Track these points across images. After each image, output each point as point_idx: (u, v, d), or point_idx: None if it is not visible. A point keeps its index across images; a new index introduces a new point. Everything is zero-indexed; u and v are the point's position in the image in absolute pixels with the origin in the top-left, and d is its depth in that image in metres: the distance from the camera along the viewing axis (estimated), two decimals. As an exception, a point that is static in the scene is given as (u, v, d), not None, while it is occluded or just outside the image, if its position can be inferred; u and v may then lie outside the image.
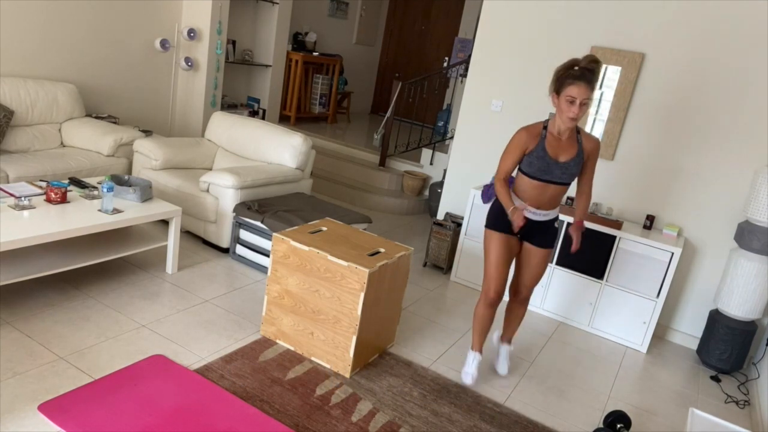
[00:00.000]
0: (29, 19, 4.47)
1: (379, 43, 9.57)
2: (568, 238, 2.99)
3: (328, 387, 2.79)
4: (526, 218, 2.84)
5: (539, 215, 2.85)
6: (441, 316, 3.79)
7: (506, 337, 3.23)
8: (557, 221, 2.98)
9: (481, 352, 3.03)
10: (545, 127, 2.75)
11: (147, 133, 5.05)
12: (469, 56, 4.91)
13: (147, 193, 3.50)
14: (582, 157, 2.77)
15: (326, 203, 4.29)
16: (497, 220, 2.89)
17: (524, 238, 2.96)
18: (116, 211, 3.23)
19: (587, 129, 4.12)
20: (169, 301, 3.32)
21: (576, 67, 2.57)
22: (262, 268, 3.92)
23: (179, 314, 3.20)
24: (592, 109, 4.07)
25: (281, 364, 2.91)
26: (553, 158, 2.72)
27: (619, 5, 3.93)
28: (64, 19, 4.70)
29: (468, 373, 3.00)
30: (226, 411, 2.45)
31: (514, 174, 3.04)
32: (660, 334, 4.13)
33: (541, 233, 2.92)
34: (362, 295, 2.76)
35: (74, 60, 4.88)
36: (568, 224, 2.90)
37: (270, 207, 3.92)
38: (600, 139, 4.05)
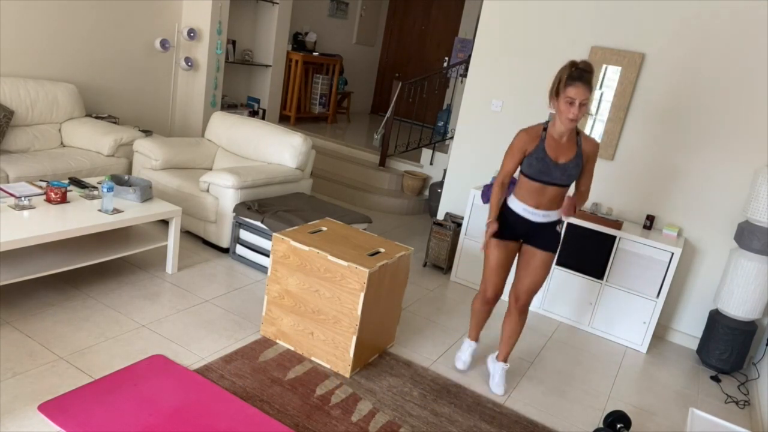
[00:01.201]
0: (30, 19, 4.47)
1: (379, 43, 9.57)
2: (558, 242, 2.98)
3: (328, 387, 2.79)
4: (523, 219, 2.86)
5: (539, 216, 2.83)
6: (441, 316, 3.79)
7: (502, 355, 3.10)
8: (560, 225, 2.93)
9: (477, 340, 3.19)
10: (545, 129, 2.77)
11: (147, 133, 5.05)
12: (469, 56, 4.91)
13: (147, 193, 3.50)
14: (581, 159, 2.76)
15: (326, 203, 4.29)
16: (503, 216, 2.90)
17: (526, 241, 2.94)
18: (116, 211, 3.23)
19: (587, 130, 4.12)
20: (169, 301, 3.32)
21: (574, 69, 2.60)
22: (262, 268, 3.92)
23: (179, 314, 3.20)
24: (592, 109, 4.07)
25: (281, 364, 2.91)
26: (553, 160, 2.73)
27: (619, 5, 3.93)
28: (65, 20, 4.71)
29: (461, 358, 3.13)
30: (226, 411, 2.45)
31: (516, 175, 3.05)
32: (660, 334, 4.13)
33: (542, 235, 2.89)
34: (362, 295, 2.76)
35: (74, 60, 4.88)
36: (560, 227, 2.94)
37: (270, 207, 3.92)
38: (600, 140, 4.07)
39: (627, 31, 3.93)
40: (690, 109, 3.81)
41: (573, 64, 2.61)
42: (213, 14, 5.63)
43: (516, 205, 2.85)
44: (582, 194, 2.92)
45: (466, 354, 3.18)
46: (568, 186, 2.80)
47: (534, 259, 2.92)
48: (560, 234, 2.94)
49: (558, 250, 2.96)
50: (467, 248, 4.32)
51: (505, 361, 3.10)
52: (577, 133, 2.79)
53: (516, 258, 3.02)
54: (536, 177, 2.75)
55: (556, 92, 2.65)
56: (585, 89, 2.56)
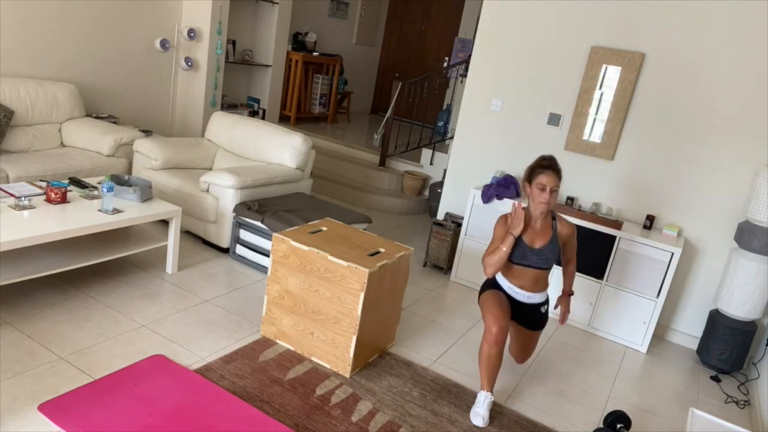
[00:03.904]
0: (30, 19, 4.47)
1: (379, 43, 9.57)
2: (546, 320, 3.17)
3: (328, 387, 2.79)
4: (510, 297, 3.03)
5: (524, 297, 3.01)
6: (441, 316, 3.79)
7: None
8: (545, 306, 3.10)
9: (491, 391, 2.80)
10: None
11: (147, 133, 5.05)
12: (469, 56, 4.91)
13: (147, 193, 3.50)
14: (557, 243, 2.93)
15: (326, 203, 4.29)
16: (492, 286, 3.06)
17: (514, 318, 3.09)
18: (116, 211, 3.23)
19: (586, 130, 4.12)
20: (169, 301, 3.32)
21: (544, 160, 2.86)
22: (262, 268, 3.92)
23: (179, 314, 3.20)
24: (592, 109, 4.07)
25: (281, 364, 2.91)
26: (528, 245, 2.91)
27: (619, 5, 3.93)
28: (65, 20, 4.71)
29: (478, 414, 2.75)
30: (226, 411, 2.45)
31: None
32: (660, 334, 4.13)
33: (528, 316, 3.07)
34: (362, 295, 2.76)
35: (74, 60, 4.88)
36: (546, 309, 3.14)
37: (270, 207, 3.92)
38: (600, 140, 4.07)
39: (627, 31, 3.93)
40: (690, 108, 3.81)
41: (542, 158, 2.88)
42: (213, 14, 5.63)
43: (503, 281, 3.05)
44: (569, 270, 3.15)
45: (484, 408, 2.76)
46: (547, 269, 2.97)
47: (522, 336, 3.16)
48: (547, 314, 3.12)
49: (544, 327, 3.19)
50: (467, 248, 4.32)
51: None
52: (554, 217, 2.98)
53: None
54: (515, 261, 2.93)
55: (528, 180, 2.88)
56: (554, 176, 2.81)
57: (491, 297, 2.94)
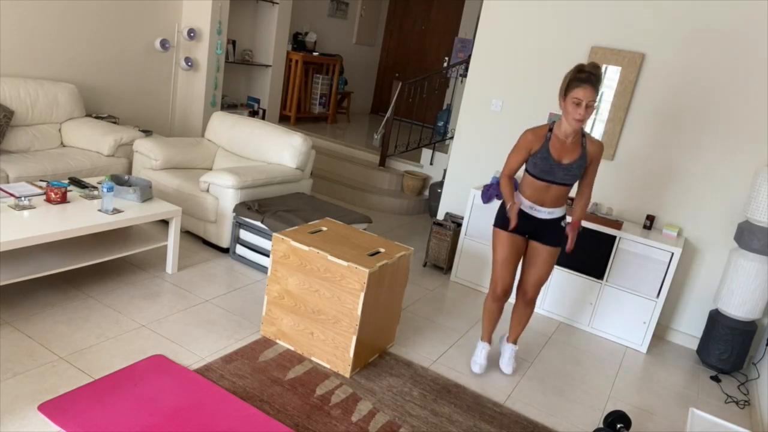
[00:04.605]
0: (30, 19, 4.47)
1: (379, 43, 9.57)
2: (565, 238, 3.10)
3: (328, 387, 2.79)
4: (529, 216, 2.96)
5: (544, 213, 2.93)
6: (441, 316, 3.79)
7: (512, 337, 3.29)
8: (564, 221, 3.03)
9: (490, 342, 3.21)
10: (551, 130, 2.86)
11: (147, 133, 5.05)
12: (469, 56, 4.91)
13: (147, 193, 3.50)
14: (585, 160, 2.86)
15: (326, 203, 4.29)
16: (505, 219, 2.99)
17: (531, 237, 3.03)
18: (116, 211, 3.23)
19: (586, 130, 4.12)
20: (169, 301, 3.32)
21: (581, 71, 2.71)
22: (262, 268, 3.92)
23: (179, 314, 3.20)
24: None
25: (281, 364, 2.91)
26: (557, 160, 2.82)
27: (619, 5, 3.93)
28: (65, 20, 4.70)
29: (476, 362, 3.17)
30: (226, 411, 2.45)
31: (521, 173, 3.14)
32: (660, 334, 4.13)
33: (547, 231, 2.99)
34: (362, 295, 2.76)
35: (74, 60, 4.88)
36: (566, 223, 3.02)
37: (270, 207, 3.93)
38: (602, 141, 4.07)
39: (627, 31, 3.93)
40: (690, 108, 3.81)
41: (580, 67, 2.72)
42: (213, 14, 5.63)
43: (522, 202, 2.96)
44: (584, 197, 3.03)
45: (481, 357, 3.19)
46: (570, 185, 2.90)
47: (539, 255, 3.04)
48: (565, 229, 3.02)
49: (562, 245, 3.06)
50: (467, 248, 4.32)
51: (514, 342, 3.28)
52: (583, 135, 2.89)
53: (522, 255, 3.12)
54: (540, 176, 2.85)
55: (564, 93, 2.76)
56: (591, 91, 2.67)
57: (503, 248, 2.99)
